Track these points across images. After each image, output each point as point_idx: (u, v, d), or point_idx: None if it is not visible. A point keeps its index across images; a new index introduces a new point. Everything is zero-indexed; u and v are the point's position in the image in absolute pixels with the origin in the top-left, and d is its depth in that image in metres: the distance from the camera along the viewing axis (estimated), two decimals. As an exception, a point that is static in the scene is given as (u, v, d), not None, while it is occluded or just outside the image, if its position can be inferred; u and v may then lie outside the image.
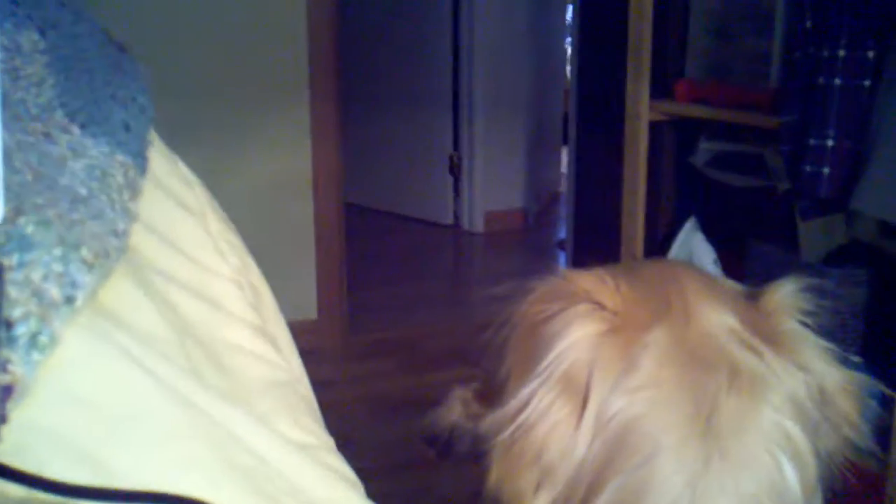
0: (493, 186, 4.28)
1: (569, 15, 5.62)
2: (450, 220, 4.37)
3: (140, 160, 0.51)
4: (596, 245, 3.03)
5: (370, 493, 0.51)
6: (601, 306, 0.55)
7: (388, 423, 2.41)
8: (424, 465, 2.12)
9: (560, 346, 0.54)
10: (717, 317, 0.55)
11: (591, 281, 0.56)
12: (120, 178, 0.46)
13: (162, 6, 2.56)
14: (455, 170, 4.29)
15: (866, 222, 1.51)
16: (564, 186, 5.12)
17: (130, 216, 0.44)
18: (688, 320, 0.55)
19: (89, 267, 0.36)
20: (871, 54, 1.33)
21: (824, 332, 0.58)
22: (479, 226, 4.30)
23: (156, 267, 0.48)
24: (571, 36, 3.45)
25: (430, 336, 3.06)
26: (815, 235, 1.67)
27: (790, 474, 0.52)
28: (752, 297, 0.59)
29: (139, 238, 0.45)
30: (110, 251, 0.39)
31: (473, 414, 1.61)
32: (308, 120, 2.78)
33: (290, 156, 2.81)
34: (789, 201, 1.81)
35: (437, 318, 3.23)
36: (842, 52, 1.35)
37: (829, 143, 1.39)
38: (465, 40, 4.11)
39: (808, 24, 1.41)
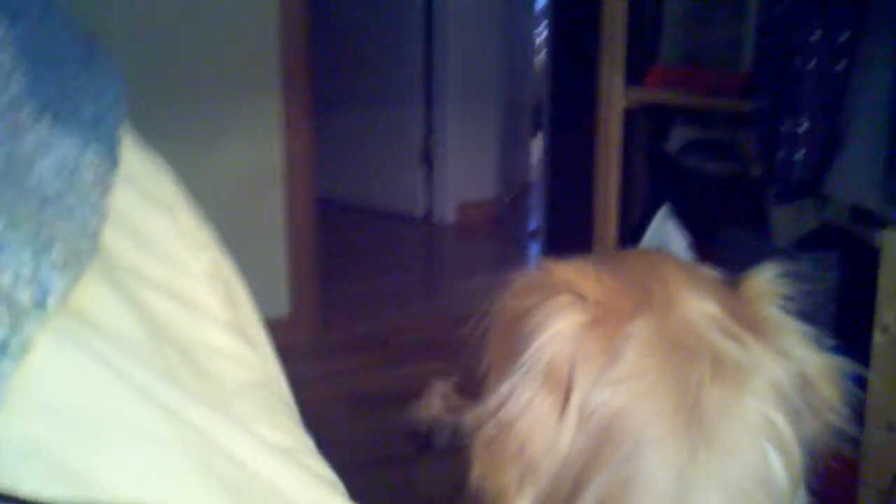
0: (465, 178, 4.26)
1: (540, 3, 5.62)
2: (422, 213, 4.35)
3: (111, 155, 0.49)
4: (569, 234, 3.03)
5: (349, 491, 0.50)
6: (582, 297, 0.53)
7: (365, 419, 2.39)
8: (404, 461, 2.09)
9: (541, 339, 0.52)
10: (699, 305, 0.54)
11: (570, 271, 0.55)
12: (90, 175, 0.44)
13: (133, 1, 2.53)
14: (427, 162, 4.26)
15: (838, 206, 1.51)
16: (535, 176, 5.13)
17: (101, 214, 0.42)
18: (669, 309, 0.54)
19: (60, 269, 0.35)
20: (844, 38, 1.32)
21: (800, 316, 0.58)
22: (451, 217, 4.29)
23: (128, 266, 0.47)
24: (545, 24, 3.44)
25: (405, 330, 3.04)
26: (786, 220, 1.66)
27: (776, 463, 0.51)
28: (732, 285, 0.58)
29: (110, 237, 0.44)
30: (81, 252, 0.38)
31: (453, 407, 1.60)
32: (281, 115, 2.75)
33: (262, 151, 2.78)
34: (762, 187, 1.81)
35: (410, 311, 3.21)
36: (816, 36, 1.35)
37: (803, 127, 1.38)
38: (438, 32, 4.09)
39: (781, 8, 1.40)
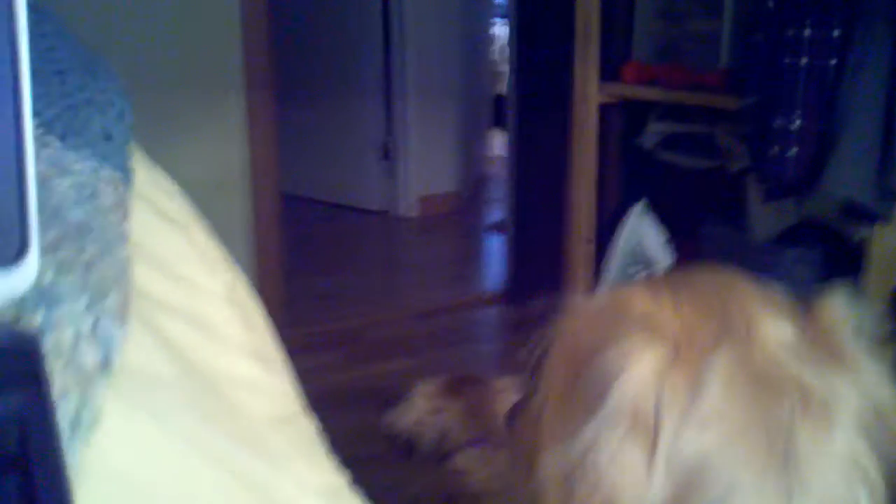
0: (425, 171, 4.24)
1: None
2: (383, 206, 4.32)
3: (126, 172, 0.46)
4: (538, 228, 3.02)
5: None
6: (660, 331, 0.50)
7: (339, 418, 2.33)
8: (384, 461, 2.07)
9: (623, 382, 0.50)
10: (778, 331, 0.52)
11: (645, 301, 0.52)
12: (110, 197, 0.41)
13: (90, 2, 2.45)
14: (388, 155, 4.23)
15: (820, 202, 1.51)
16: (495, 168, 5.13)
17: (125, 240, 0.39)
18: (750, 338, 0.51)
19: (118, 319, 0.31)
20: (836, 33, 1.32)
21: (871, 345, 0.56)
22: (412, 211, 4.26)
23: (148, 292, 0.44)
24: (508, 15, 3.42)
25: (372, 326, 3.01)
26: (766, 216, 1.67)
27: (864, 500, 0.49)
28: (805, 307, 0.56)
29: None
30: (128, 292, 0.34)
31: (437, 409, 1.58)
32: (244, 114, 2.70)
33: (226, 151, 2.73)
34: (740, 182, 1.81)
35: (377, 307, 3.18)
36: (807, 32, 1.34)
37: (796, 123, 1.38)
38: (395, 26, 4.05)
39: (771, 4, 1.40)
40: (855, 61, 1.28)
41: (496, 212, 4.31)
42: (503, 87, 5.64)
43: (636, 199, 2.12)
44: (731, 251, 1.76)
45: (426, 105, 4.14)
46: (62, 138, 0.41)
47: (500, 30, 5.80)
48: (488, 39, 5.10)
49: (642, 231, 2.09)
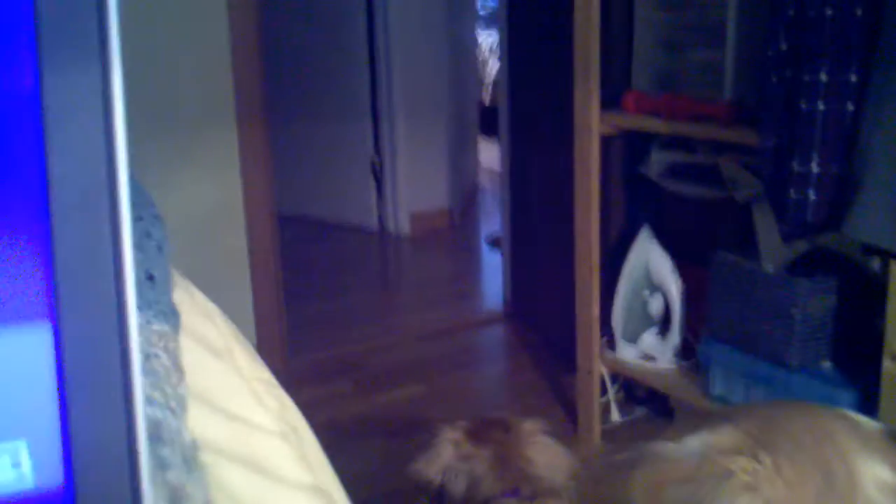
0: (416, 187, 4.23)
1: (481, 10, 5.60)
2: (375, 225, 4.30)
3: (173, 319, 0.44)
4: (534, 241, 3.01)
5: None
6: (763, 496, 0.49)
7: (348, 453, 2.33)
8: (395, 499, 2.06)
9: None
10: (879, 476, 0.51)
11: (745, 464, 0.50)
12: (165, 359, 0.40)
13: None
14: (377, 173, 4.21)
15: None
16: (483, 179, 5.12)
17: (184, 409, 0.38)
18: (854, 490, 0.50)
19: None
20: (853, 77, 1.32)
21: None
22: (405, 228, 4.25)
23: (207, 440, 0.43)
24: (498, 26, 3.40)
25: (373, 352, 3.00)
26: (777, 244, 1.67)
27: None
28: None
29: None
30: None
31: (466, 455, 1.56)
32: (236, 145, 2.68)
33: (219, 182, 2.71)
34: (747, 211, 1.81)
35: (376, 332, 3.17)
36: (823, 76, 1.34)
37: (814, 168, 1.37)
38: (381, 42, 4.03)
39: (784, 45, 1.39)
40: (873, 105, 1.27)
41: (490, 225, 4.30)
42: (488, 98, 5.64)
43: (641, 225, 2.11)
44: (743, 279, 1.76)
45: (414, 121, 4.13)
46: None
47: (483, 40, 5.79)
48: (473, 49, 5.09)
49: (650, 255, 2.09)
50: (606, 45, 2.00)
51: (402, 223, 4.25)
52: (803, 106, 1.36)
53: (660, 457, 0.53)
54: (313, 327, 3.18)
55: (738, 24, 1.69)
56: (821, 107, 1.34)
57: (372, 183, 4.24)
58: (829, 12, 1.31)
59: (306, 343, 3.03)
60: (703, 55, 1.84)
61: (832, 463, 0.51)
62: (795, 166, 1.38)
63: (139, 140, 2.13)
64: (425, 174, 4.23)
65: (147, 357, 0.38)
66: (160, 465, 0.32)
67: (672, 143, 2.01)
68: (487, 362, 3.05)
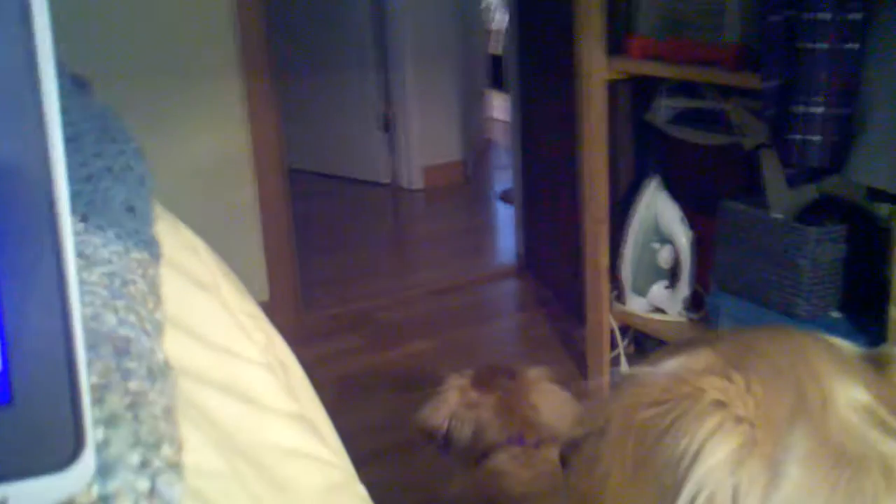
0: (428, 141, 4.21)
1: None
2: (388, 179, 4.29)
3: (153, 248, 0.44)
4: (546, 196, 3.00)
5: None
6: (734, 412, 0.50)
7: (361, 406, 2.37)
8: (406, 450, 2.09)
9: (699, 471, 0.48)
10: (853, 396, 0.51)
11: (716, 383, 0.51)
12: (142, 284, 0.40)
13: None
14: (388, 127, 4.19)
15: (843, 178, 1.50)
16: (497, 132, 5.09)
17: (160, 332, 0.38)
18: (826, 409, 0.50)
19: (176, 469, 0.29)
20: (857, 17, 1.29)
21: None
22: (418, 182, 4.24)
23: (188, 368, 0.43)
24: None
25: (386, 307, 3.01)
26: (785, 192, 1.65)
27: None
28: (875, 364, 0.55)
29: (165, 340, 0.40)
30: (176, 422, 0.33)
31: (471, 403, 1.57)
32: (244, 96, 2.68)
33: (228, 134, 2.71)
34: (756, 157, 1.80)
35: (389, 286, 3.18)
36: (826, 16, 1.31)
37: (818, 109, 1.35)
38: (388, -5, 3.99)
39: (785, -13, 1.37)
40: (877, 45, 1.25)
41: (503, 180, 4.28)
42: (496, 46, 5.57)
43: (650, 175, 2.10)
44: (751, 228, 1.75)
45: (424, 73, 4.09)
46: (84, 219, 0.39)
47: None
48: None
49: (658, 206, 2.08)
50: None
51: (414, 177, 4.24)
52: (806, 46, 1.34)
53: (635, 380, 0.54)
54: (325, 282, 3.19)
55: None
56: (823, 46, 1.32)
57: (383, 136, 4.22)
58: (830, -52, 1.28)
59: (319, 298, 3.04)
60: (708, -1, 1.81)
61: (805, 383, 0.51)
62: (799, 108, 1.36)
63: (145, 93, 2.15)
64: (436, 127, 4.21)
65: (124, 282, 0.38)
66: (124, 375, 0.32)
67: (679, 89, 1.98)
68: (499, 317, 3.06)
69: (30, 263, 0.22)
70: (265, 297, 2.85)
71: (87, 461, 0.23)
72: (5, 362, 0.22)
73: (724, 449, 0.48)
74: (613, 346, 2.31)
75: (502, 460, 1.38)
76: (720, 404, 0.50)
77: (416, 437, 1.61)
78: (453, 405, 1.53)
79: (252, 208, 2.80)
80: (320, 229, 3.71)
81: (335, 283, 3.20)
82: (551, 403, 1.49)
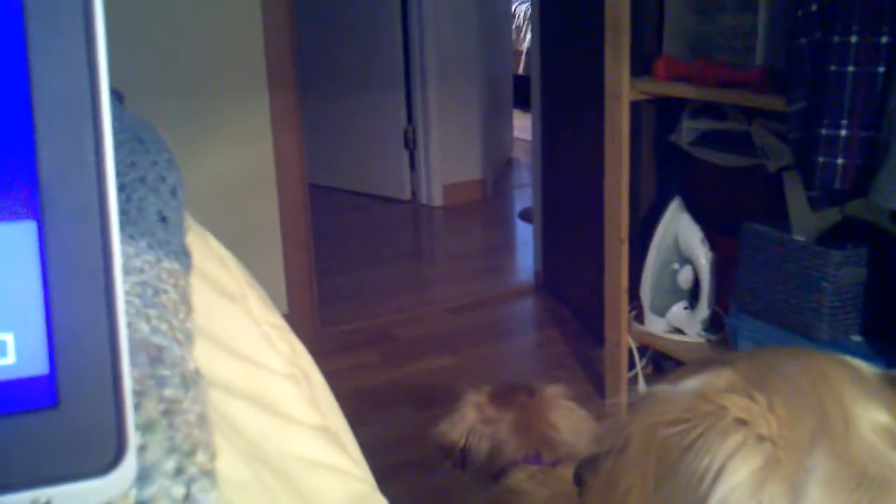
0: (449, 159, 4.22)
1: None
2: (408, 196, 4.31)
3: (184, 258, 0.45)
4: (566, 214, 3.00)
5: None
6: (757, 432, 0.49)
7: (376, 420, 2.37)
8: (423, 466, 2.08)
9: (720, 491, 0.48)
10: (874, 418, 0.51)
11: (738, 402, 0.51)
12: (173, 294, 0.40)
13: (117, 4, 2.44)
14: (410, 144, 4.21)
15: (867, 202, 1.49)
16: (517, 151, 5.10)
17: (191, 341, 0.38)
18: (847, 431, 0.50)
19: (210, 476, 0.30)
20: (884, 39, 1.29)
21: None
22: (437, 199, 4.25)
23: (216, 378, 0.44)
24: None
25: (404, 323, 3.01)
26: (808, 215, 1.64)
27: None
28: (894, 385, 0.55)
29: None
30: (211, 431, 0.33)
31: (489, 419, 1.56)
32: (268, 112, 2.70)
33: (252, 149, 2.74)
34: (779, 180, 1.79)
35: (407, 302, 3.18)
36: (854, 38, 1.31)
37: (843, 132, 1.35)
38: (414, 11, 4.02)
39: (814, 7, 1.36)
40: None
41: (523, 198, 4.29)
42: (521, 66, 5.60)
43: (671, 196, 2.10)
44: (772, 250, 1.74)
45: (447, 91, 4.11)
46: (121, 226, 0.40)
47: (518, 8, 5.75)
48: (507, 17, 5.05)
49: (680, 226, 2.07)
50: (637, 11, 1.98)
51: (434, 194, 4.25)
52: (832, 68, 1.34)
53: (656, 399, 0.54)
54: (344, 297, 3.20)
55: (772, -12, 1.67)
56: (850, 69, 1.31)
57: (404, 153, 4.24)
58: (860, -28, 1.28)
59: (337, 313, 3.05)
60: (735, 20, 1.81)
61: (827, 404, 0.51)
62: (824, 130, 1.36)
63: (172, 106, 2.17)
64: (458, 145, 4.22)
65: (156, 292, 0.39)
66: (158, 383, 0.33)
67: (703, 110, 1.98)
68: (517, 335, 3.06)
69: (78, 270, 0.22)
70: (284, 310, 2.87)
71: (129, 466, 0.23)
72: (53, 366, 0.22)
73: (746, 468, 0.48)
74: (631, 366, 2.30)
75: (519, 479, 1.37)
76: (743, 423, 0.50)
77: (433, 452, 1.60)
78: (471, 421, 1.53)
79: (273, 222, 2.82)
80: (340, 245, 3.73)
81: (353, 299, 3.21)
82: (569, 422, 1.48)
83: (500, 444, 1.46)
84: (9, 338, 0.22)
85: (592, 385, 2.47)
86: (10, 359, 0.22)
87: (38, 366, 0.22)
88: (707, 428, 0.50)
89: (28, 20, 0.21)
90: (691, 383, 0.53)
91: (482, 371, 2.64)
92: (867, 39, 1.30)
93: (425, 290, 3.41)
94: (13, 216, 0.22)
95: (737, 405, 0.51)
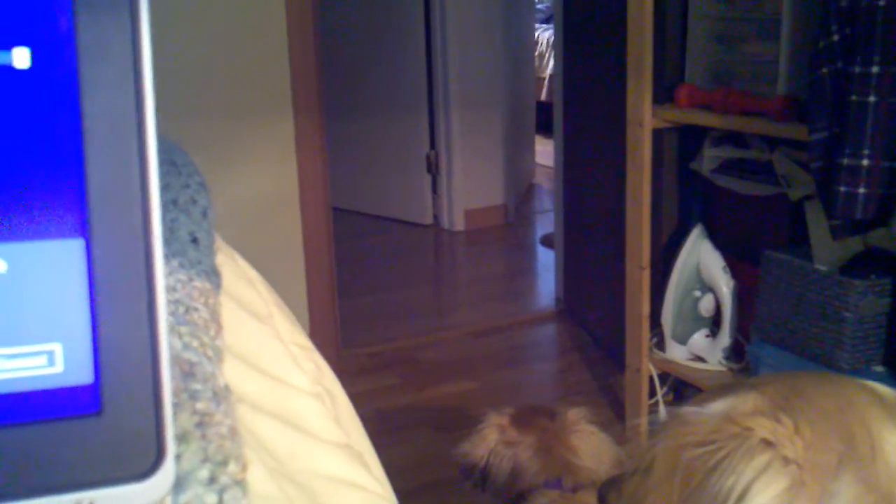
0: (471, 184, 4.24)
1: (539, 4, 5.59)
2: (430, 220, 4.32)
3: (214, 278, 0.46)
4: (587, 241, 3.00)
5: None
6: (782, 455, 0.50)
7: (396, 444, 2.37)
8: (442, 488, 2.09)
9: None
10: None
11: (765, 424, 0.51)
12: (204, 312, 0.41)
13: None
14: (432, 169, 4.24)
15: (889, 231, 1.49)
16: (539, 177, 5.12)
17: (220, 358, 0.40)
18: (875, 457, 0.50)
19: (241, 486, 0.31)
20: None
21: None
22: (459, 224, 4.26)
23: (243, 394, 0.45)
24: (553, 22, 3.40)
25: (425, 347, 3.02)
26: (830, 244, 1.64)
27: None
28: None
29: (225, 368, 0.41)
30: (241, 443, 0.34)
31: (511, 441, 1.56)
32: (292, 134, 2.73)
33: (276, 171, 2.76)
34: (801, 209, 1.79)
35: (428, 326, 3.19)
36: (875, 69, 1.32)
37: (865, 162, 1.35)
38: (438, 37, 4.05)
39: (836, 37, 1.37)
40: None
41: (545, 224, 4.29)
42: (544, 92, 5.63)
43: (693, 223, 2.10)
44: (794, 279, 1.74)
45: (470, 116, 4.14)
46: None
47: (541, 35, 5.79)
48: (530, 44, 5.09)
49: (701, 254, 2.07)
50: (660, 39, 1.99)
51: (456, 219, 4.27)
52: (854, 98, 1.34)
53: (682, 420, 0.54)
54: (366, 320, 3.21)
55: (794, 17, 1.67)
56: (872, 99, 1.32)
57: (427, 178, 4.26)
58: (881, 3, 1.28)
59: (359, 335, 3.06)
60: (758, 49, 1.82)
61: (854, 429, 0.51)
62: (845, 160, 1.36)
63: (196, 128, 2.20)
64: (480, 170, 4.24)
65: (187, 310, 0.40)
66: (191, 396, 0.34)
67: (725, 138, 1.99)
68: (538, 360, 3.06)
69: (123, 285, 0.24)
70: (306, 332, 2.88)
71: (168, 471, 0.24)
72: (97, 375, 0.24)
73: (771, 490, 0.48)
74: (652, 393, 2.29)
75: (541, 503, 1.37)
76: (769, 444, 0.50)
77: (454, 474, 1.60)
78: (492, 442, 1.52)
79: (296, 244, 2.84)
80: (362, 268, 3.74)
81: (375, 321, 3.22)
82: (590, 446, 1.48)
83: (522, 467, 1.46)
84: (58, 348, 0.23)
85: (613, 411, 2.46)
86: (59, 367, 0.23)
87: (83, 375, 0.23)
88: (733, 449, 0.50)
89: (80, 47, 0.23)
90: (717, 406, 0.54)
91: (503, 395, 2.64)
92: (888, 70, 1.30)
93: (447, 314, 3.42)
94: (63, 234, 0.23)
95: (763, 427, 0.51)
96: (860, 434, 0.51)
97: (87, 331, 0.23)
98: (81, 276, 0.23)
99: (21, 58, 0.22)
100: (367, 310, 3.32)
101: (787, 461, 0.50)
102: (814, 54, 1.44)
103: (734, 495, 0.49)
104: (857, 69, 1.33)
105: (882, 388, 0.57)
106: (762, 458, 0.50)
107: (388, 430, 2.44)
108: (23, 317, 0.23)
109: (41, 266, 0.23)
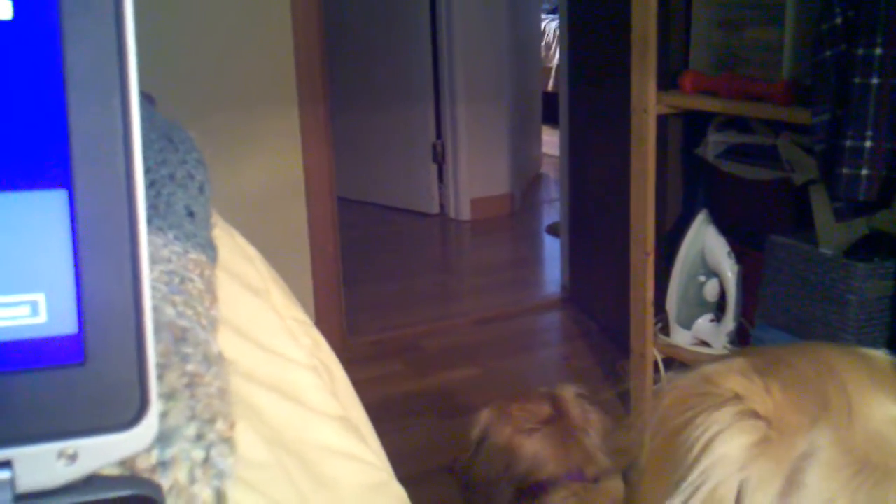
0: (477, 173, 4.24)
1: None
2: (436, 209, 4.32)
3: (210, 251, 0.46)
4: (593, 228, 3.00)
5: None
6: (751, 412, 0.50)
7: (401, 430, 2.38)
8: (445, 476, 2.09)
9: (705, 462, 0.49)
10: (884, 409, 0.51)
11: (737, 381, 0.51)
12: (199, 283, 0.42)
13: (149, 15, 2.49)
14: (439, 158, 4.24)
15: (893, 214, 1.49)
16: (546, 167, 5.11)
17: (215, 327, 0.40)
18: (851, 419, 0.50)
19: (228, 443, 0.31)
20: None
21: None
22: (465, 213, 4.26)
23: (238, 365, 0.45)
24: (557, 12, 3.39)
25: (430, 334, 3.02)
26: (834, 228, 1.64)
27: None
28: None
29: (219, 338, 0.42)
30: (230, 402, 0.34)
31: (530, 430, 1.49)
32: (297, 124, 2.74)
33: (281, 160, 2.77)
34: (806, 193, 1.79)
35: (434, 314, 3.20)
36: (878, 51, 1.31)
37: (868, 143, 1.35)
38: (444, 27, 4.05)
39: (839, 20, 1.37)
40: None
41: (551, 213, 4.29)
42: (550, 83, 5.62)
43: (698, 209, 2.10)
44: (798, 263, 1.74)
45: (476, 106, 4.13)
46: (148, 220, 0.42)
47: (548, 25, 5.78)
48: (537, 35, 5.07)
49: (706, 239, 2.07)
50: (664, 25, 1.99)
51: (462, 208, 4.27)
52: (857, 81, 1.34)
53: (672, 384, 0.55)
54: (371, 308, 3.22)
55: (797, 1, 1.67)
56: (875, 81, 1.32)
57: (433, 168, 4.26)
58: (884, -16, 1.28)
59: (364, 323, 3.07)
60: (762, 34, 1.81)
61: (831, 393, 0.51)
62: (848, 142, 1.36)
63: (202, 118, 2.21)
64: (487, 159, 4.24)
65: (182, 280, 0.41)
66: (182, 359, 0.35)
67: (729, 123, 1.98)
68: (543, 347, 3.06)
69: (106, 236, 0.24)
70: (311, 320, 2.89)
71: (151, 421, 0.25)
72: (81, 326, 0.24)
73: (736, 441, 0.49)
74: (657, 378, 2.29)
75: (561, 497, 1.32)
76: (737, 398, 0.50)
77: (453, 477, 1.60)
78: (487, 418, 1.50)
79: (302, 234, 2.84)
80: (368, 257, 3.75)
81: (380, 309, 3.23)
82: (602, 432, 1.45)
83: (539, 458, 1.41)
84: (40, 298, 0.23)
85: (618, 398, 2.47)
86: (42, 318, 0.23)
87: (67, 325, 0.24)
88: (702, 405, 0.51)
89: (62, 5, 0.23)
90: (703, 369, 0.54)
91: (507, 383, 2.64)
92: (892, 52, 1.30)
93: (452, 301, 3.42)
94: (46, 184, 0.23)
95: (735, 383, 0.51)
96: (837, 398, 0.51)
97: (71, 281, 0.23)
98: (64, 227, 0.23)
99: (3, 8, 0.22)
100: (372, 298, 3.33)
101: (754, 415, 0.50)
102: (817, 37, 1.43)
103: (699, 445, 0.49)
104: (861, 51, 1.33)
105: (876, 355, 0.56)
106: (728, 411, 0.50)
107: (393, 416, 2.45)
108: (5, 267, 0.23)
109: (24, 216, 0.23)
